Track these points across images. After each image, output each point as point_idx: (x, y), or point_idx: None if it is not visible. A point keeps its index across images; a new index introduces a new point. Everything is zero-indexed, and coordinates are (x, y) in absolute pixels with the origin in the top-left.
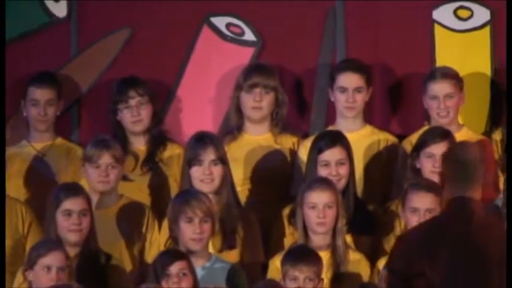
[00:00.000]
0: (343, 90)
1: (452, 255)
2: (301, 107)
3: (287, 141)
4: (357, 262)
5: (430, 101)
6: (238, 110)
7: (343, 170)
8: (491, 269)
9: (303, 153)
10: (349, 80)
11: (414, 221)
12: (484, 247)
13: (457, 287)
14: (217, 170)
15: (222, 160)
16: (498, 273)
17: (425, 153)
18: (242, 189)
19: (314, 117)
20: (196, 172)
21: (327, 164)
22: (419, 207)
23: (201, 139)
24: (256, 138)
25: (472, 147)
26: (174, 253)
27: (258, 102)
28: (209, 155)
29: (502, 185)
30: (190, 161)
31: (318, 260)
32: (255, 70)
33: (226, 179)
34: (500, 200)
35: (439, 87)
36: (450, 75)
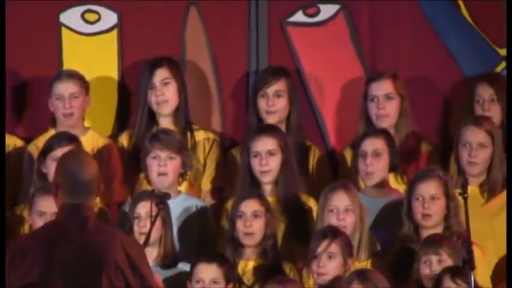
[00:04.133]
0: None
1: (68, 260)
2: None
3: None
4: None
5: (55, 102)
6: None
7: None
8: (107, 270)
9: None
10: None
11: (41, 224)
12: (99, 250)
13: None
14: None
15: None
16: (114, 275)
17: (51, 157)
18: None
19: None
20: None
21: None
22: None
23: None
24: None
25: (87, 163)
26: None
27: None
28: None
29: None
30: None
31: None
32: None
33: None
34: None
35: (64, 88)
36: (75, 76)
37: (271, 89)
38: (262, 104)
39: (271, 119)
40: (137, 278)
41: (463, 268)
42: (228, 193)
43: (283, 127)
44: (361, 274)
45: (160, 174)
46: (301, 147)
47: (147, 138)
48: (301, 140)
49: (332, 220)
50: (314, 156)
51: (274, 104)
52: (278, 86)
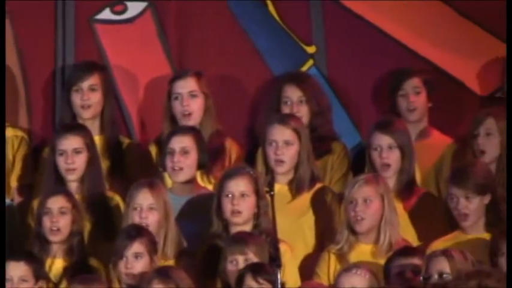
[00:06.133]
0: None
1: None
2: None
3: None
4: None
5: None
6: None
7: None
8: None
9: None
10: None
11: None
12: None
13: None
14: None
15: None
16: None
17: None
18: None
19: None
20: None
21: None
22: None
23: None
24: None
25: None
26: None
27: None
28: None
29: None
30: None
31: None
32: None
33: None
34: None
35: None
36: None
37: (85, 83)
38: (76, 98)
39: (86, 114)
40: None
41: (266, 266)
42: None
43: (97, 122)
44: (162, 272)
45: None
46: (116, 142)
47: None
48: (116, 135)
49: (136, 218)
50: (129, 151)
51: (89, 98)
52: (92, 80)
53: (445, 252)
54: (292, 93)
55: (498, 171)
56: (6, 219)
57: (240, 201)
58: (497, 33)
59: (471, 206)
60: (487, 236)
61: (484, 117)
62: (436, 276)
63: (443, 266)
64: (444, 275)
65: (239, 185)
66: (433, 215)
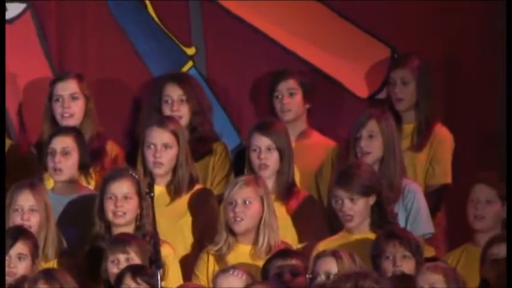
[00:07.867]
0: None
1: None
2: None
3: None
4: None
5: None
6: None
7: None
8: None
9: None
10: None
11: None
12: None
13: None
14: None
15: None
16: None
17: None
18: None
19: None
20: None
21: None
22: None
23: None
24: None
25: None
26: None
27: None
28: None
29: None
30: None
31: None
32: None
33: None
34: None
35: None
36: None
37: None
38: None
39: None
40: None
41: (146, 268)
42: None
43: None
44: (47, 273)
45: None
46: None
47: None
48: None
49: (17, 220)
50: (9, 152)
51: None
52: None
53: (335, 253)
54: (173, 92)
55: (381, 173)
56: None
57: (123, 203)
58: (377, 34)
59: (356, 208)
60: (372, 236)
61: (366, 119)
62: (323, 277)
63: (331, 266)
64: (331, 276)
65: (122, 187)
66: (314, 218)
